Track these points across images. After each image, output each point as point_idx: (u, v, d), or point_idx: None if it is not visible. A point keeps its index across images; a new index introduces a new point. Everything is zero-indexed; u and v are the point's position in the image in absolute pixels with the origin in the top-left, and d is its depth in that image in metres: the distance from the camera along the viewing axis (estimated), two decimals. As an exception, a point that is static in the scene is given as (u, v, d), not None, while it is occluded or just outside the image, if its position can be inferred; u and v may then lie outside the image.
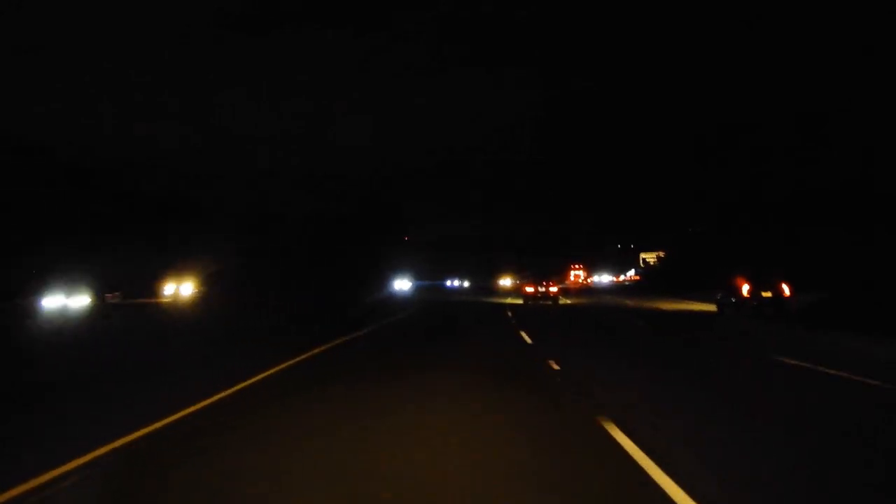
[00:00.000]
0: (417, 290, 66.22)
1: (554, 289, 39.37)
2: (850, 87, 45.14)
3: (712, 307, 28.79)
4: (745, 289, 22.26)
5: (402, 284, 64.27)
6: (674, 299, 38.94)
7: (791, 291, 21.67)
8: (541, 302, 38.21)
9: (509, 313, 25.07)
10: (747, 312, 22.14)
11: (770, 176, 46.97)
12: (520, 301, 39.50)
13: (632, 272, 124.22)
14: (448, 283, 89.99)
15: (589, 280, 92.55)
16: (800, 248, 35.78)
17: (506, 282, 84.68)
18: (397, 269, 65.66)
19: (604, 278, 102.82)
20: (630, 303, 36.58)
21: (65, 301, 39.02)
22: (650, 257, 45.14)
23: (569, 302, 40.02)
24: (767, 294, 21.84)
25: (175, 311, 30.83)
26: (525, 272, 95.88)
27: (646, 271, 59.80)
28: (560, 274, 61.93)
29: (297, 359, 10.92)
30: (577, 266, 71.79)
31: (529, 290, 39.56)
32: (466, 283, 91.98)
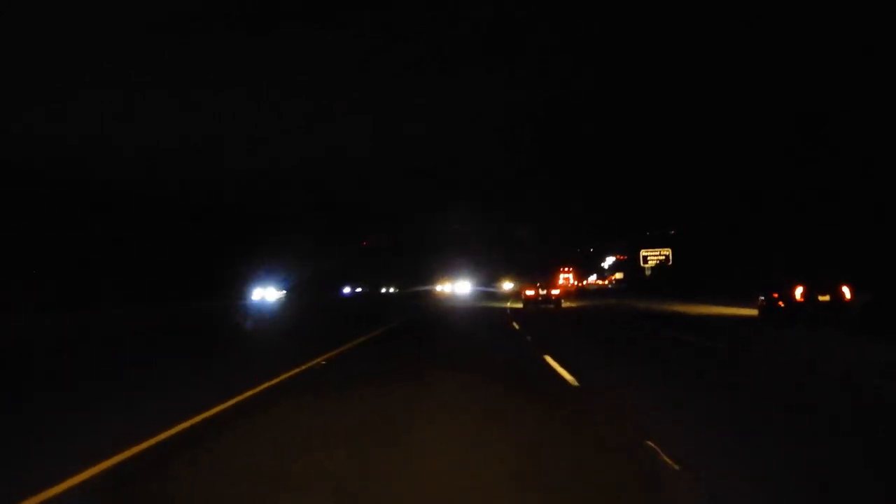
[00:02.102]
0: (292, 297, 52.34)
1: (556, 291, 37.17)
2: (851, 87, 43.94)
3: (742, 311, 26.79)
4: (799, 291, 20.08)
5: (268, 293, 50.25)
6: (689, 304, 35.51)
7: (852, 294, 19.57)
8: (541, 306, 35.98)
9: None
10: (799, 318, 19.93)
11: (772, 173, 45.77)
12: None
13: (593, 277, 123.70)
14: (346, 289, 73.44)
15: (584, 282, 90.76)
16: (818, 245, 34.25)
17: (445, 287, 73.61)
18: (266, 275, 50.52)
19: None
20: (661, 308, 32.29)
21: None
22: (654, 256, 41.96)
23: (573, 305, 37.76)
24: (825, 298, 19.70)
25: None
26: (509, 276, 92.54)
27: (638, 274, 56.73)
28: (548, 277, 59.90)
29: None
30: (566, 269, 69.85)
31: (530, 293, 37.31)
32: (392, 289, 78.89)
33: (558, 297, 36.67)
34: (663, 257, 42.24)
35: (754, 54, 50.91)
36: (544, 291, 36.86)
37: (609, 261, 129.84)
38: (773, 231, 38.34)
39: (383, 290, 79.06)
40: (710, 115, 51.89)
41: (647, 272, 42.39)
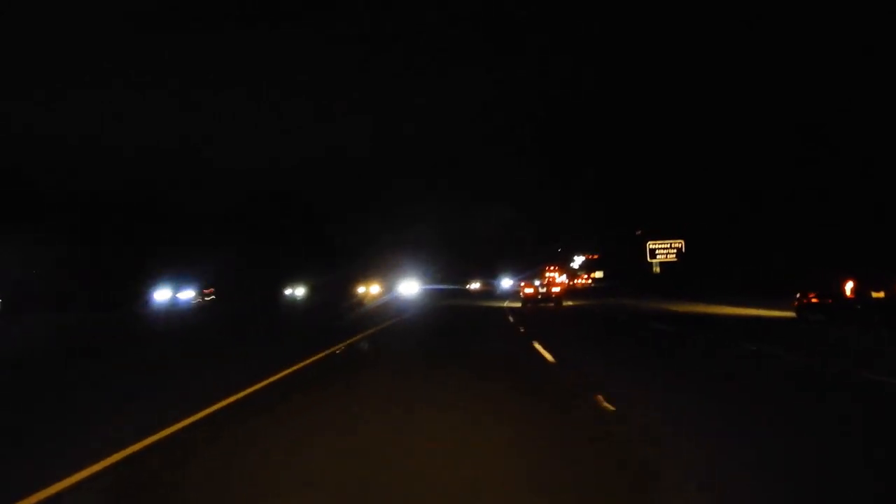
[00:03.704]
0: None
1: (556, 289, 35.33)
2: (851, 88, 43.02)
3: (770, 312, 25.11)
4: (850, 287, 18.34)
5: None
6: (705, 304, 32.48)
7: (909, 291, 17.84)
8: (541, 304, 34.19)
9: None
10: (847, 317, 18.19)
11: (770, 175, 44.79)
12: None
13: (563, 277, 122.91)
14: (163, 295, 52.24)
15: (574, 281, 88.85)
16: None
17: (372, 288, 60.78)
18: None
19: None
20: (680, 310, 28.75)
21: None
22: (663, 249, 37.56)
23: (574, 305, 35.89)
24: (879, 294, 17.96)
25: None
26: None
27: (643, 268, 50.44)
28: (536, 275, 57.77)
29: None
30: (552, 267, 67.56)
31: (528, 291, 35.47)
32: (300, 291, 66.69)
33: (559, 296, 34.87)
34: (675, 251, 38.46)
35: (757, 55, 50.05)
36: (544, 290, 35.10)
37: (578, 260, 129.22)
38: (791, 228, 37.04)
39: (288, 292, 65.57)
40: (711, 113, 50.89)
41: (656, 268, 39.08)
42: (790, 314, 22.40)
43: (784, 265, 36.60)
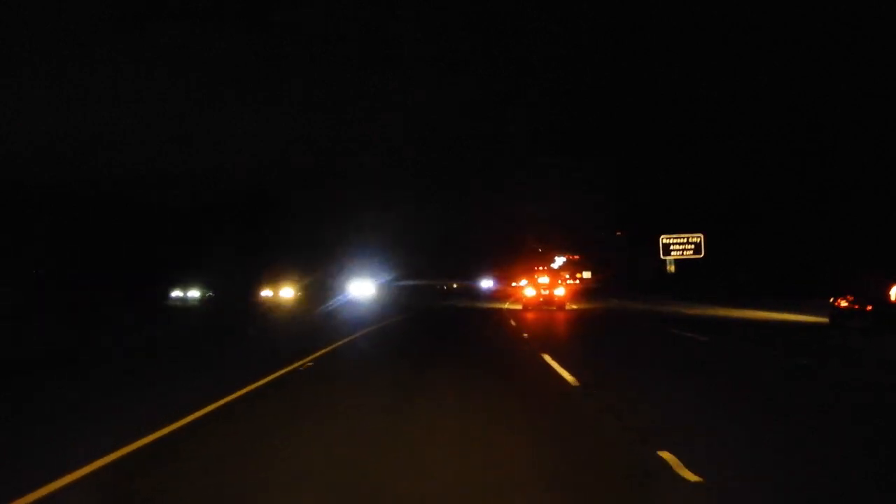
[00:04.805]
0: None
1: (560, 292, 33.99)
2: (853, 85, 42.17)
3: (796, 317, 24.05)
4: (894, 292, 17.19)
5: None
6: (729, 308, 30.50)
7: (960, 297, 16.80)
8: (544, 307, 32.84)
9: None
10: (889, 325, 17.06)
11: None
12: None
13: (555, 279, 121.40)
14: None
15: (572, 279, 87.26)
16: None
17: (284, 291, 51.79)
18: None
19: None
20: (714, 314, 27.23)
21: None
22: (679, 245, 33.67)
23: (580, 308, 34.62)
24: (925, 300, 16.87)
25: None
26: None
27: (656, 265, 44.26)
28: (519, 275, 55.79)
29: None
30: (541, 270, 64.66)
31: (530, 293, 34.06)
32: (194, 293, 57.57)
33: (562, 300, 33.51)
34: (692, 246, 35.10)
35: (785, 45, 49.26)
36: (546, 292, 33.69)
37: (560, 260, 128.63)
38: (818, 228, 35.94)
39: (176, 295, 54.96)
40: (727, 106, 50.03)
41: (671, 266, 36.14)
42: (820, 319, 21.36)
43: (802, 266, 35.30)
